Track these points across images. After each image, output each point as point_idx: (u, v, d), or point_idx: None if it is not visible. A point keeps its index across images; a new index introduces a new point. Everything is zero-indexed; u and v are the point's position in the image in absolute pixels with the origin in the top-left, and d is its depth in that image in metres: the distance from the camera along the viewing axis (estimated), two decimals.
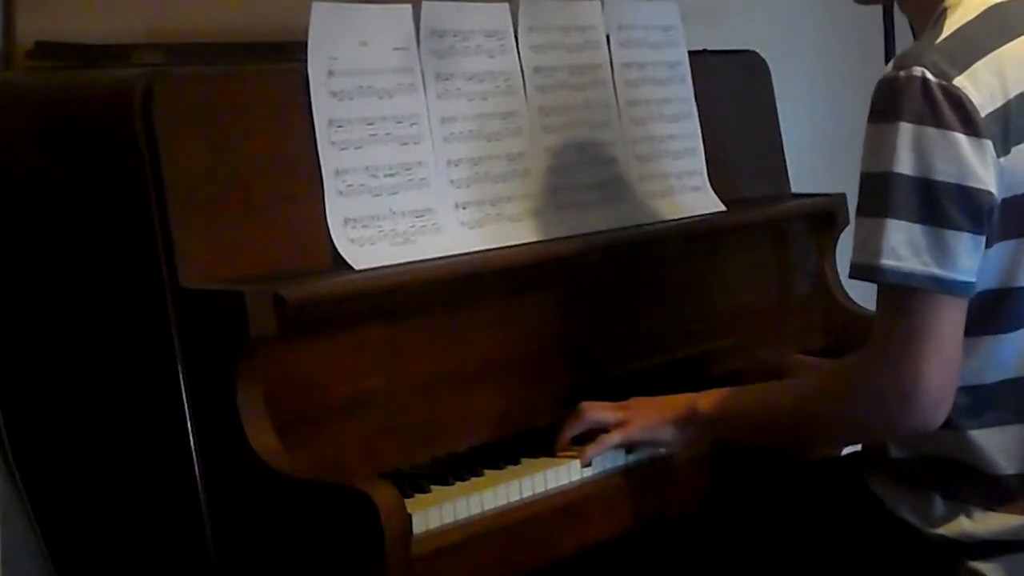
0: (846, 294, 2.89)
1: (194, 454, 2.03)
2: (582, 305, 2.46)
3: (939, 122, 1.99)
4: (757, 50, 2.98)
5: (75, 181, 2.12)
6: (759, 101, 2.96)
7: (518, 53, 2.48)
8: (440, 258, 2.28)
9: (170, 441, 2.04)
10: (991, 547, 2.12)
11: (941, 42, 2.05)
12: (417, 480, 2.10)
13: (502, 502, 2.10)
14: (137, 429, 2.08)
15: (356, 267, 2.19)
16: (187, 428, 2.03)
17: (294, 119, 2.19)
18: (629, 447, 2.26)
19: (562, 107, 2.53)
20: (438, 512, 2.02)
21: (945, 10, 2.10)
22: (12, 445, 2.16)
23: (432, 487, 2.09)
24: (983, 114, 2.01)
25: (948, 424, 2.07)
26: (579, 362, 2.44)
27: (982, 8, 2.09)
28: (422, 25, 2.34)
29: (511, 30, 2.47)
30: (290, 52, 2.25)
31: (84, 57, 2.27)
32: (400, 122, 2.30)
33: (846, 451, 2.48)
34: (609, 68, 2.63)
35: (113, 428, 2.11)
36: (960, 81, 2.01)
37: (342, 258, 2.19)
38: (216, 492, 2.03)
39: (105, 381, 2.11)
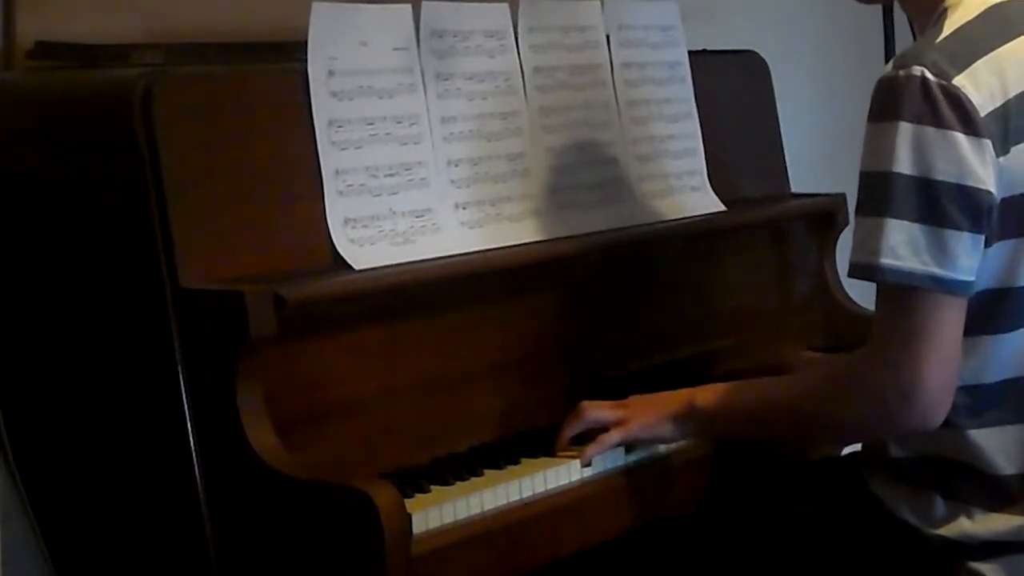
0: (846, 294, 2.89)
1: (194, 454, 2.03)
2: (582, 305, 2.46)
3: (939, 122, 1.99)
4: (757, 50, 2.98)
5: (75, 181, 2.12)
6: (759, 101, 2.96)
7: (518, 53, 2.48)
8: (440, 258, 2.28)
9: (170, 441, 2.04)
10: (991, 548, 2.11)
11: (941, 41, 2.05)
12: (417, 480, 2.10)
13: (502, 502, 2.10)
14: (137, 429, 2.08)
15: (356, 267, 2.19)
16: (187, 428, 2.03)
17: (294, 119, 2.19)
18: (629, 445, 2.26)
19: (562, 107, 2.53)
20: (438, 512, 2.02)
21: (945, 10, 2.10)
22: (12, 445, 2.16)
23: (432, 487, 2.09)
24: (983, 114, 2.01)
25: (948, 424, 2.07)
26: (579, 362, 2.44)
27: (982, 8, 2.09)
28: (422, 25, 2.34)
29: (511, 30, 2.47)
30: (290, 52, 2.25)
31: (84, 57, 2.27)
32: (400, 122, 2.30)
33: (846, 451, 2.48)
34: (609, 68, 2.63)
35: (113, 428, 2.11)
36: (960, 81, 2.01)
37: (342, 258, 2.19)
38: (216, 492, 2.03)
39: (105, 381, 2.11)
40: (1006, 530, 2.11)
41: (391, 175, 2.27)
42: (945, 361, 2.02)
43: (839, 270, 2.89)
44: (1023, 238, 2.06)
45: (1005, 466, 2.11)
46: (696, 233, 2.68)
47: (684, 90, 2.76)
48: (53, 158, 2.14)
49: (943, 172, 1.99)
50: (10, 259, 2.17)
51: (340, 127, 2.22)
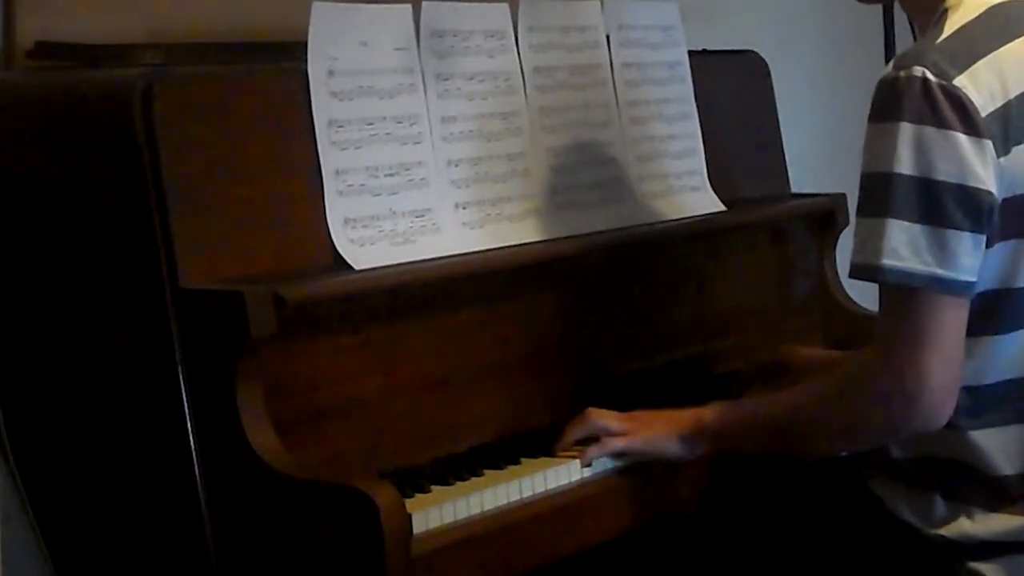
0: (846, 294, 2.89)
1: (194, 454, 2.03)
2: (582, 305, 2.46)
3: (939, 122, 1.99)
4: (757, 50, 2.98)
5: (75, 181, 2.12)
6: (759, 101, 2.96)
7: (518, 53, 2.48)
8: (440, 258, 2.28)
9: (170, 441, 2.04)
10: (991, 548, 2.11)
11: (942, 42, 2.05)
12: (417, 480, 2.10)
13: (502, 502, 2.10)
14: (137, 429, 2.08)
15: (356, 267, 2.19)
16: (187, 428, 2.03)
17: (294, 119, 2.19)
18: (631, 457, 2.24)
19: (562, 107, 2.53)
20: (438, 512, 2.02)
21: (946, 10, 2.10)
22: (12, 445, 2.16)
23: (432, 487, 2.09)
24: (983, 114, 2.00)
25: (948, 424, 2.07)
26: (579, 362, 2.43)
27: (983, 8, 2.09)
28: (422, 25, 2.34)
29: (511, 30, 2.47)
30: (290, 52, 2.25)
31: (84, 57, 2.27)
32: (400, 122, 2.29)
33: None
34: (609, 68, 2.63)
35: (113, 428, 2.11)
36: (960, 81, 2.01)
37: (342, 258, 2.19)
38: (216, 492, 2.03)
39: (105, 381, 2.11)
40: (1006, 530, 2.11)
41: (391, 175, 2.27)
42: (948, 361, 2.02)
43: (839, 270, 2.89)
44: (1023, 239, 2.07)
45: (1005, 466, 2.11)
46: (696, 233, 2.68)
47: (684, 90, 2.76)
48: (53, 158, 2.14)
49: (944, 172, 1.99)
50: (10, 259, 2.17)
51: (340, 127, 2.22)
